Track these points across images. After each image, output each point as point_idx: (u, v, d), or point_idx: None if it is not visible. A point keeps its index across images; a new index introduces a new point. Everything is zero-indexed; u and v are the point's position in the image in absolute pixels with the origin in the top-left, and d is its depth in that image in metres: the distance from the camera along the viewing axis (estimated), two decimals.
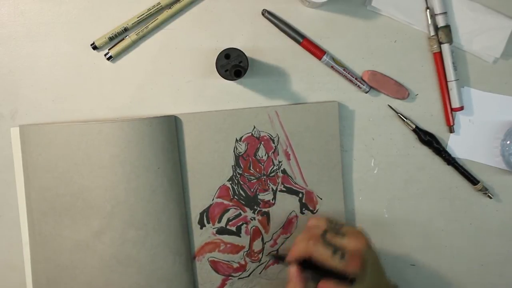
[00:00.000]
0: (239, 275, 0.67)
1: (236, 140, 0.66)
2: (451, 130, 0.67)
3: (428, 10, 0.65)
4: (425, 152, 0.67)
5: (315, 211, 0.66)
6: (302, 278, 0.57)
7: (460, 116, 0.68)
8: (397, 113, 0.66)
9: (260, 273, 0.67)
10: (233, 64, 0.63)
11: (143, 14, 0.64)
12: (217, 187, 0.66)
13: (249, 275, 0.67)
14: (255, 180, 0.67)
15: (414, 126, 0.66)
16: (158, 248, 0.64)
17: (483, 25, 0.65)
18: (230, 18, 0.66)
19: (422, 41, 0.66)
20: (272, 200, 0.67)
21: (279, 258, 0.65)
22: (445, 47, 0.65)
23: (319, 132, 0.66)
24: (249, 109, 0.66)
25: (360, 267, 0.55)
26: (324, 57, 0.65)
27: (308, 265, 0.59)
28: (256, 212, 0.67)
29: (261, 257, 0.67)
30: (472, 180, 0.67)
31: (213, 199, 0.66)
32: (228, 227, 0.67)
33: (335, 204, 0.66)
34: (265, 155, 0.66)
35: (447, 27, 0.64)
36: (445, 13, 0.64)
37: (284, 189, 0.67)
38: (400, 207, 0.67)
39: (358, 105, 0.67)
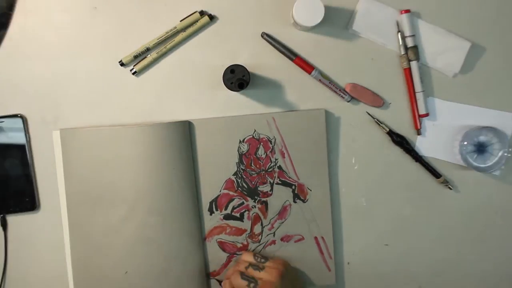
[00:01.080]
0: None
1: (240, 141, 0.70)
2: (418, 133, 0.70)
3: (399, 33, 0.68)
4: (397, 151, 0.71)
5: (305, 200, 0.70)
6: None
7: (425, 121, 0.70)
8: (373, 118, 0.70)
9: (259, 252, 0.71)
10: (237, 78, 0.66)
11: (162, 37, 0.68)
12: (223, 180, 0.70)
13: None
14: (256, 175, 0.70)
15: (388, 130, 0.70)
16: (175, 231, 0.68)
17: (445, 46, 0.69)
18: (234, 39, 0.70)
19: (394, 59, 0.70)
20: (270, 191, 0.70)
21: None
22: (413, 64, 0.69)
23: (309, 135, 0.70)
24: (250, 115, 0.70)
25: None
26: (313, 72, 0.69)
27: None
28: (256, 201, 0.70)
29: (261, 239, 0.71)
30: (435, 174, 0.71)
31: (220, 190, 0.70)
32: (233, 213, 0.70)
33: (322, 195, 0.70)
34: (264, 154, 0.70)
35: (415, 47, 0.68)
36: (413, 35, 0.68)
37: (279, 182, 0.70)
38: (376, 196, 0.72)
39: (341, 112, 0.70)
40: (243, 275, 0.65)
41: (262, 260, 0.67)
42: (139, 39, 0.69)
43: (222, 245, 0.70)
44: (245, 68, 0.66)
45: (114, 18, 0.69)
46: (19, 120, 0.69)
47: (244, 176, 0.70)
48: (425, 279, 0.72)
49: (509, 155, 0.68)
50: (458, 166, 0.71)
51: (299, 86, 0.70)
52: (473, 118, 0.70)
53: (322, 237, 0.70)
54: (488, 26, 0.69)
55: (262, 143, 0.69)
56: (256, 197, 0.70)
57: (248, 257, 0.68)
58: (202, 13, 0.68)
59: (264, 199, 0.70)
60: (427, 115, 0.70)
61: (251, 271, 0.66)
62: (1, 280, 0.71)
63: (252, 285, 0.64)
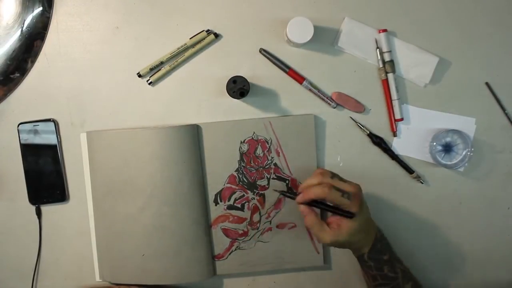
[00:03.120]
0: (243, 239, 0.74)
1: (241, 142, 0.73)
2: (394, 134, 0.74)
3: (378, 49, 0.72)
4: (376, 151, 0.74)
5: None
6: (314, 211, 0.64)
7: (401, 125, 0.74)
8: (356, 122, 0.73)
9: (258, 238, 0.74)
10: (238, 87, 0.68)
11: (174, 52, 0.72)
12: (227, 175, 0.73)
13: (250, 239, 0.74)
14: (255, 171, 0.74)
15: (368, 132, 0.73)
16: (185, 220, 0.71)
17: (417, 60, 0.72)
18: (236, 54, 0.73)
19: (374, 71, 0.73)
20: (267, 185, 0.74)
21: (288, 194, 0.68)
22: (390, 76, 0.72)
23: (300, 136, 0.73)
24: (250, 119, 0.73)
25: (359, 204, 0.62)
26: (304, 82, 0.72)
27: (311, 204, 0.63)
28: (255, 194, 0.74)
29: (259, 226, 0.74)
30: (409, 170, 0.74)
31: (224, 184, 0.73)
32: (235, 204, 0.74)
33: None
34: (261, 153, 0.73)
35: (391, 61, 0.72)
36: (390, 51, 0.72)
37: (275, 177, 0.74)
38: None
39: (328, 117, 0.74)
40: (335, 188, 0.62)
41: (336, 175, 0.64)
42: (154, 54, 0.73)
43: (225, 231, 0.74)
44: (246, 79, 0.69)
45: (133, 36, 0.73)
46: (52, 124, 0.73)
47: (245, 172, 0.73)
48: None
49: (471, 154, 0.72)
50: (428, 163, 0.74)
51: (292, 94, 0.73)
52: (441, 122, 0.74)
53: None
54: (453, 44, 0.73)
55: (260, 144, 0.73)
56: (255, 190, 0.73)
57: (326, 171, 0.64)
58: (208, 32, 0.72)
59: (262, 192, 0.73)
60: (402, 119, 0.73)
61: (339, 183, 0.62)
62: (36, 261, 0.75)
63: (346, 195, 0.62)
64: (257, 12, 0.73)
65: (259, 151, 0.73)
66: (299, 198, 0.64)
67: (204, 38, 0.72)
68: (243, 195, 0.74)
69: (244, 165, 0.73)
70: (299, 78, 0.72)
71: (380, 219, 0.74)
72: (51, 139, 0.73)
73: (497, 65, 0.74)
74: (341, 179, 0.64)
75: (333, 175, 0.64)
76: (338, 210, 0.63)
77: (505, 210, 0.76)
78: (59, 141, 0.74)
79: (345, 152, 0.75)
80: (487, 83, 0.74)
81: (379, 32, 0.72)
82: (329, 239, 0.62)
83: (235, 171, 0.73)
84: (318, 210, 0.68)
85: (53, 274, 0.75)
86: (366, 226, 0.64)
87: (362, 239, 0.64)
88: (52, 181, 0.74)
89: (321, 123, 0.74)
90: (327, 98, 0.73)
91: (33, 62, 0.73)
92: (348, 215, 0.62)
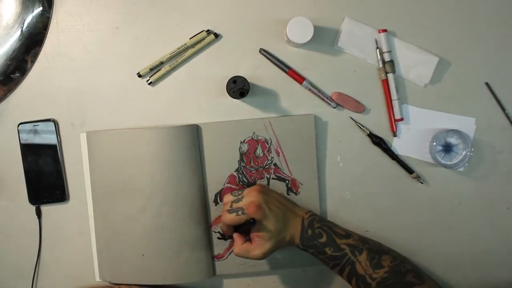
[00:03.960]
0: None
1: (241, 142, 0.73)
2: (394, 135, 0.74)
3: (378, 49, 0.72)
4: (376, 150, 0.74)
5: (297, 193, 0.73)
6: (240, 236, 0.67)
7: (401, 125, 0.74)
8: (356, 122, 0.73)
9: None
10: (238, 87, 0.68)
11: (174, 52, 0.72)
12: (227, 175, 0.73)
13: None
14: (254, 171, 0.73)
15: (368, 132, 0.73)
16: (185, 220, 0.71)
17: (417, 60, 0.72)
18: (236, 54, 0.73)
19: (374, 71, 0.73)
20: (267, 185, 0.73)
21: (222, 236, 0.73)
22: (390, 76, 0.72)
23: (300, 136, 0.73)
24: (250, 119, 0.73)
25: (257, 211, 0.64)
26: (304, 82, 0.72)
27: (238, 230, 0.68)
28: None
29: None
30: (409, 170, 0.74)
31: (224, 184, 0.73)
32: None
33: (312, 188, 0.73)
34: (261, 153, 0.73)
35: (391, 62, 0.72)
36: (390, 51, 0.72)
37: (275, 177, 0.73)
38: (358, 190, 0.75)
39: (328, 117, 0.74)
40: (229, 211, 0.66)
41: (239, 192, 0.68)
42: (154, 54, 0.73)
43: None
44: (246, 79, 0.69)
45: (133, 36, 0.73)
46: (52, 124, 0.73)
47: (245, 172, 0.73)
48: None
49: (471, 154, 0.72)
50: (428, 163, 0.74)
51: (292, 94, 0.73)
52: (441, 122, 0.74)
53: None
54: (453, 44, 0.73)
55: (260, 144, 0.73)
56: None
57: (227, 198, 0.68)
58: (208, 32, 0.72)
59: None
60: (402, 119, 0.73)
61: (235, 205, 0.67)
62: (36, 261, 0.75)
63: (240, 212, 0.65)
64: (257, 12, 0.73)
65: (259, 151, 0.73)
66: (224, 231, 0.70)
67: (204, 38, 0.72)
68: None
69: (244, 165, 0.73)
70: (299, 78, 0.72)
71: (380, 219, 0.75)
72: (51, 139, 0.73)
73: (497, 65, 0.74)
74: (237, 199, 0.67)
75: (234, 196, 0.68)
76: (244, 225, 0.66)
77: (505, 210, 0.75)
78: (59, 141, 0.73)
79: (345, 152, 0.75)
80: (487, 83, 0.74)
81: (379, 32, 0.72)
82: (258, 254, 0.66)
83: (235, 171, 0.73)
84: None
85: (53, 274, 0.75)
86: (282, 222, 0.66)
87: (286, 234, 0.67)
88: (52, 181, 0.74)
89: (321, 123, 0.74)
90: (327, 98, 0.73)
91: (33, 62, 0.73)
92: (250, 222, 0.64)
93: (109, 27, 0.73)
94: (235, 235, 0.68)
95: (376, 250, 0.68)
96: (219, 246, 0.74)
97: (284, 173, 0.73)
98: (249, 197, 0.66)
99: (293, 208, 0.69)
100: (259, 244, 0.65)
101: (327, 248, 0.67)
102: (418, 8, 0.73)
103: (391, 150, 0.74)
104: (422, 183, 0.75)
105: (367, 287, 0.66)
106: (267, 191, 0.68)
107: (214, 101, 0.73)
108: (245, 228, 0.66)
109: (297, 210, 0.69)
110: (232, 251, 0.74)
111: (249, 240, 0.67)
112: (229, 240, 0.74)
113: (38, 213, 0.74)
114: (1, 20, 0.72)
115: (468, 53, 0.74)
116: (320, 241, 0.67)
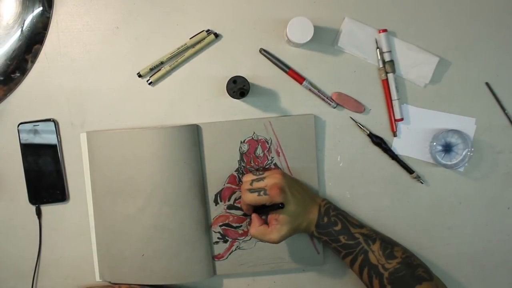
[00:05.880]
0: (243, 238, 0.74)
1: (241, 142, 0.73)
2: (394, 134, 0.73)
3: (378, 49, 0.72)
4: (376, 150, 0.74)
5: None
6: (259, 217, 0.67)
7: (401, 125, 0.74)
8: (356, 122, 0.73)
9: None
10: (238, 87, 0.68)
11: (174, 52, 0.72)
12: (227, 175, 0.73)
13: (250, 239, 0.74)
14: None
15: (368, 132, 0.73)
16: (185, 220, 0.71)
17: (417, 60, 0.72)
18: (236, 54, 0.73)
19: (374, 71, 0.73)
20: None
21: (245, 214, 0.73)
22: (390, 76, 0.72)
23: (300, 136, 0.73)
24: (250, 119, 0.73)
25: (280, 194, 0.63)
26: (304, 82, 0.72)
27: (258, 210, 0.67)
28: None
29: None
30: (409, 170, 0.73)
31: (224, 184, 0.73)
32: (235, 204, 0.73)
33: (311, 188, 0.73)
34: (261, 153, 0.73)
35: (391, 61, 0.72)
36: (390, 51, 0.72)
37: None
38: (358, 190, 0.75)
39: (328, 117, 0.74)
40: (250, 190, 0.66)
41: (260, 173, 0.69)
42: (154, 54, 0.72)
43: (225, 231, 0.74)
44: (246, 79, 0.69)
45: (133, 36, 0.73)
46: (52, 124, 0.72)
47: (245, 172, 0.73)
48: None
49: (471, 154, 0.72)
50: (428, 163, 0.74)
51: (292, 94, 0.73)
52: (441, 122, 0.73)
53: None
54: (453, 44, 0.73)
55: (260, 144, 0.73)
56: None
57: (248, 177, 0.69)
58: (208, 32, 0.72)
59: None
60: (402, 119, 0.73)
61: (256, 184, 0.67)
62: (37, 261, 0.74)
63: (262, 192, 0.65)
64: (257, 12, 0.72)
65: (259, 151, 0.73)
66: (245, 210, 0.70)
67: (204, 38, 0.72)
68: None
69: (244, 165, 0.73)
70: (299, 78, 0.72)
71: (380, 219, 0.75)
72: (51, 139, 0.73)
73: (497, 65, 0.73)
74: (258, 178, 0.67)
75: (254, 176, 0.68)
76: (268, 208, 0.65)
77: (505, 210, 0.75)
78: (59, 141, 0.73)
79: (345, 152, 0.74)
80: (487, 83, 0.74)
81: (379, 32, 0.72)
82: (275, 237, 0.65)
83: (235, 171, 0.73)
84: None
85: (53, 274, 0.75)
86: (302, 207, 0.66)
87: (304, 220, 0.66)
88: (52, 181, 0.73)
89: (321, 123, 0.74)
90: (327, 98, 0.73)
91: (33, 62, 0.72)
92: (279, 207, 0.64)
93: (109, 27, 0.72)
94: (254, 216, 0.67)
95: (388, 241, 0.68)
96: (219, 246, 0.74)
97: None
98: (273, 178, 0.66)
99: (312, 194, 0.70)
100: (277, 228, 0.65)
101: (341, 236, 0.67)
102: (418, 8, 0.73)
103: (391, 150, 0.74)
104: (422, 183, 0.74)
105: (380, 277, 0.65)
106: (288, 175, 0.68)
107: (214, 101, 0.73)
108: (266, 210, 0.66)
109: (315, 197, 0.70)
110: (232, 251, 0.74)
111: (265, 221, 0.67)
112: (229, 241, 0.74)
113: (38, 213, 0.74)
114: (1, 20, 0.71)
115: (468, 53, 0.73)
116: (335, 229, 0.67)
